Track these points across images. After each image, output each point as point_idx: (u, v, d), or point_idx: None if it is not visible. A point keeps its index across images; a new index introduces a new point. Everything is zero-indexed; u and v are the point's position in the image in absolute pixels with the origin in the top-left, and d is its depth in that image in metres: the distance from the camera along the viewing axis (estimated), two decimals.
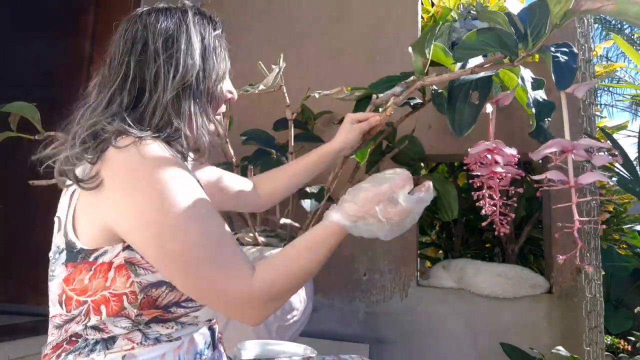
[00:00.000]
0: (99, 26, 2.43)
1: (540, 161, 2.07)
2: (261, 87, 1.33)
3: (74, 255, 0.63)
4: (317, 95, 1.37)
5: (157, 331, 0.66)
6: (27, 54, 2.57)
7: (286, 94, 1.51)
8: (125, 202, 0.59)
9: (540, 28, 0.88)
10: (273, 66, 1.36)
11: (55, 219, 0.69)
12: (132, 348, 0.64)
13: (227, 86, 0.81)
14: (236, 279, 0.61)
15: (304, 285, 0.68)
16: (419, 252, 2.12)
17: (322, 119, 1.97)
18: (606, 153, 0.83)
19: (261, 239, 1.52)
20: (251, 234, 1.49)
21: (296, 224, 1.54)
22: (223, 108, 0.83)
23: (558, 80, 0.82)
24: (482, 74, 0.96)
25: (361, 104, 1.31)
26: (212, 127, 0.75)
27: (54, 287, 0.67)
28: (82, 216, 0.64)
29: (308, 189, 1.50)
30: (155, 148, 0.62)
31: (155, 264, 0.62)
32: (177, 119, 0.68)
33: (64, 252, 0.65)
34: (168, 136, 0.67)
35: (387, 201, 0.70)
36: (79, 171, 0.63)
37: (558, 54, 0.86)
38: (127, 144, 0.61)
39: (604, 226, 2.37)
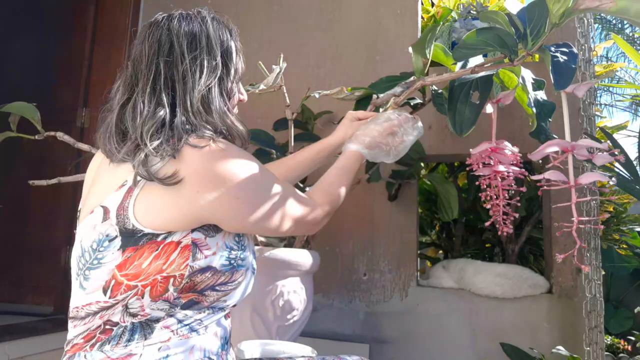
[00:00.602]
0: (99, 26, 2.42)
1: (541, 161, 2.07)
2: (262, 87, 1.33)
3: (137, 239, 0.68)
4: (317, 95, 1.37)
5: (191, 317, 0.71)
6: (27, 54, 2.57)
7: (286, 94, 1.51)
8: (221, 193, 0.69)
9: (539, 27, 0.88)
10: (274, 66, 1.36)
11: (96, 210, 0.71)
12: (169, 339, 0.69)
13: (240, 87, 0.86)
14: (311, 210, 0.83)
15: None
16: (419, 252, 2.12)
17: (322, 119, 1.97)
18: (607, 153, 0.83)
19: (261, 238, 1.52)
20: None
21: None
22: (235, 109, 0.87)
23: (557, 80, 0.82)
24: (482, 74, 0.96)
25: (361, 104, 1.31)
26: (240, 125, 0.81)
27: (100, 275, 0.68)
28: (148, 206, 0.68)
29: (308, 189, 1.50)
30: (227, 143, 0.74)
31: (253, 229, 0.75)
32: (211, 117, 0.75)
33: (118, 239, 0.68)
34: (224, 135, 0.77)
35: (393, 134, 1.02)
36: (154, 169, 0.68)
37: (557, 54, 0.86)
38: (205, 144, 0.70)
39: (602, 227, 2.36)
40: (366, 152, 0.99)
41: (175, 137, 0.69)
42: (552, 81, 0.83)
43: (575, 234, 0.76)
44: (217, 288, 0.72)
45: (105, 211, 0.69)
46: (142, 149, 0.68)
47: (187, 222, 0.69)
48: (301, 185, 1.60)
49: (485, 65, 0.98)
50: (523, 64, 0.94)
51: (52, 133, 1.40)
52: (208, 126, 0.74)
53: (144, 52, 0.76)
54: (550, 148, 0.80)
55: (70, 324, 0.72)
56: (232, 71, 0.80)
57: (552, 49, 0.88)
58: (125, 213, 0.68)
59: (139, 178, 0.69)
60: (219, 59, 0.77)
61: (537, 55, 2.04)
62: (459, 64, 1.08)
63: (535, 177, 0.83)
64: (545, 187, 0.82)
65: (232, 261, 0.73)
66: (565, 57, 0.86)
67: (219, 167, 0.69)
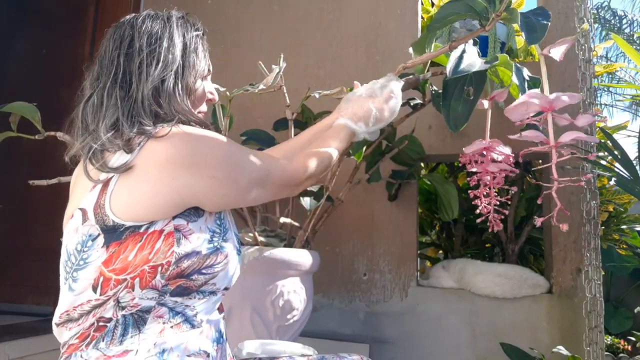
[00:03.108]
0: (99, 26, 2.43)
1: (540, 161, 2.07)
2: (261, 87, 1.33)
3: (119, 234, 0.68)
4: (317, 95, 1.37)
5: (181, 303, 0.72)
6: (28, 54, 2.56)
7: (286, 94, 1.51)
8: (197, 175, 0.70)
9: None
10: (273, 66, 1.36)
11: (75, 213, 0.72)
12: (162, 330, 0.70)
13: (208, 86, 0.87)
14: (292, 174, 0.85)
15: (327, 169, 0.95)
16: (419, 252, 2.12)
17: (322, 119, 1.97)
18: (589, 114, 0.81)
19: (261, 238, 1.52)
20: (251, 234, 1.49)
21: (296, 224, 1.54)
22: (204, 107, 0.88)
23: (528, 35, 0.85)
24: (476, 69, 0.96)
25: None
26: (199, 120, 0.81)
27: (87, 273, 0.69)
28: (127, 199, 0.69)
29: (308, 188, 1.50)
30: (191, 127, 0.75)
31: (236, 199, 0.77)
32: (162, 110, 0.76)
33: (101, 237, 0.69)
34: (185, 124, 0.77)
35: (372, 97, 1.04)
36: (117, 162, 0.70)
37: (530, 15, 0.90)
38: (167, 132, 0.71)
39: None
40: (351, 125, 1.01)
41: (133, 129, 0.71)
42: (525, 37, 0.85)
43: (555, 195, 0.76)
44: (204, 271, 0.73)
45: (83, 213, 0.70)
46: (97, 143, 0.71)
47: (169, 209, 0.70)
48: None
49: (461, 38, 1.00)
50: (522, 63, 0.94)
51: (53, 133, 1.40)
52: (161, 117, 0.75)
53: (107, 48, 0.78)
54: (528, 100, 0.78)
55: (63, 329, 0.72)
56: (192, 68, 0.81)
57: (527, 13, 0.91)
58: (103, 211, 0.69)
59: (108, 175, 0.70)
60: (177, 53, 0.78)
61: (536, 55, 2.04)
62: (452, 56, 1.08)
63: (512, 137, 0.82)
64: (529, 150, 0.81)
65: (216, 243, 0.74)
66: (538, 17, 0.89)
67: (189, 150, 0.71)
